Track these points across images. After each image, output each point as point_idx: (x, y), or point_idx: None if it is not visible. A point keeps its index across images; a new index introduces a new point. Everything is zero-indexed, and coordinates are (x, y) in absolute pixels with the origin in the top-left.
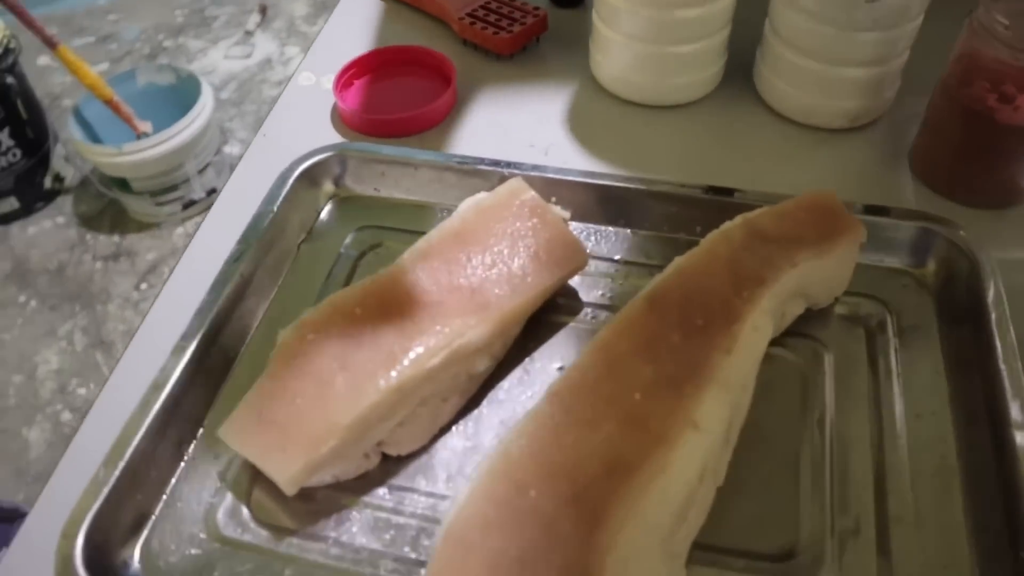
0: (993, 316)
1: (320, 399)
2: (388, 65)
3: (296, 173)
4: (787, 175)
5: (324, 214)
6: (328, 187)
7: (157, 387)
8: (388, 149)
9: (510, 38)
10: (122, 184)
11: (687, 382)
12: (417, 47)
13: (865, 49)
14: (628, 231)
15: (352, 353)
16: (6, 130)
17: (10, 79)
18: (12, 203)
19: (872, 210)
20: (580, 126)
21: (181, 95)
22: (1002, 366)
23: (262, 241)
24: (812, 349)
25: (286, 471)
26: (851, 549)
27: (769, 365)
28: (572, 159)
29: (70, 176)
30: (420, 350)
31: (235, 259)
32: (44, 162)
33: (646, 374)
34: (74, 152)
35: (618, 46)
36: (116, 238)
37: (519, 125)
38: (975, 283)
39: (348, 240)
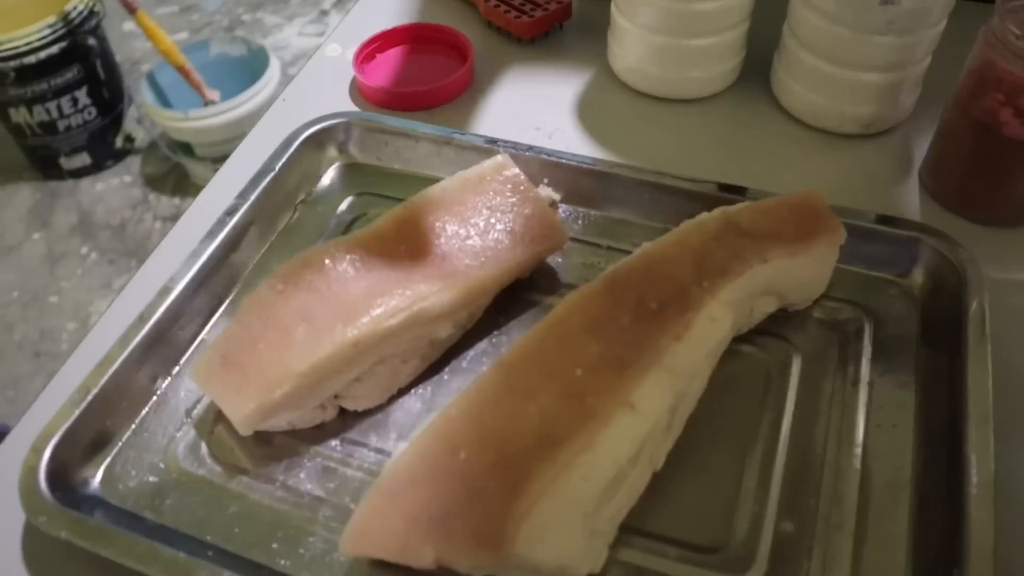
0: (971, 332)
1: (280, 347)
2: (410, 41)
3: (302, 137)
4: (792, 177)
5: (326, 178)
6: (332, 152)
7: (139, 323)
8: (392, 120)
9: (531, 23)
10: (187, 149)
11: (631, 364)
12: (439, 25)
13: (879, 53)
14: (618, 218)
15: (316, 306)
16: (84, 89)
17: (92, 40)
18: (84, 159)
19: (863, 216)
20: (589, 114)
21: (251, 67)
22: (969, 383)
23: (260, 197)
24: (782, 349)
25: (240, 411)
26: (784, 551)
27: (735, 361)
28: (575, 145)
29: (140, 138)
30: (380, 309)
31: (230, 212)
32: (117, 122)
33: (592, 352)
34: (145, 115)
35: (634, 37)
36: (177, 200)
37: (529, 108)
38: (960, 298)
39: (345, 205)
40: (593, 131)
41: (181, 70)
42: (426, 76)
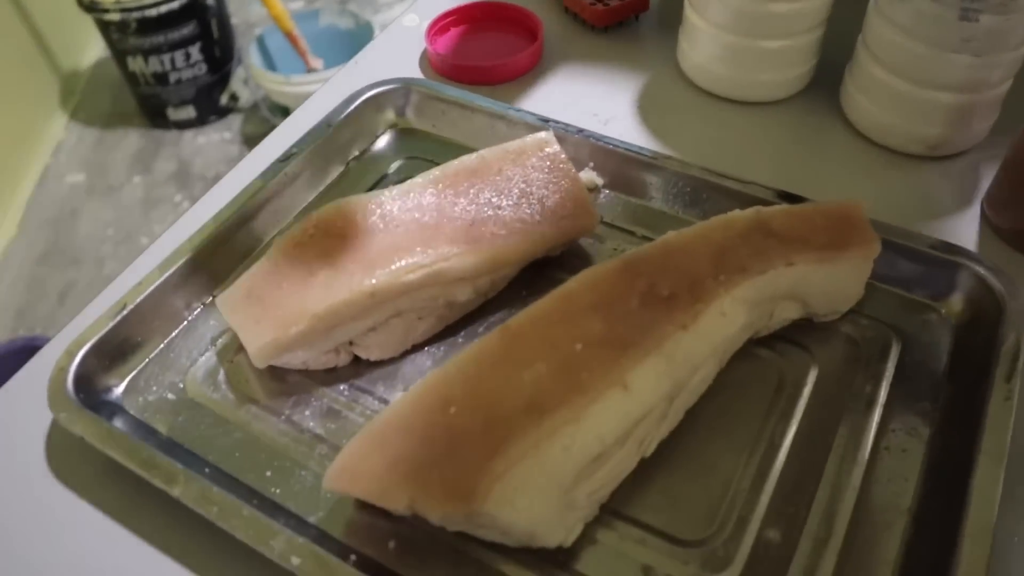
0: (1000, 366)
1: (301, 287)
2: (483, 19)
3: (363, 97)
4: (846, 191)
5: (381, 140)
6: (390, 116)
7: (180, 252)
8: (450, 90)
9: (604, 11)
10: (285, 112)
11: (631, 346)
12: (514, 5)
13: (954, 72)
14: (659, 209)
15: (341, 253)
16: (197, 45)
17: (210, 0)
18: (190, 112)
19: (904, 234)
20: (650, 107)
21: (356, 40)
22: (988, 418)
23: (313, 149)
24: (801, 358)
25: (256, 342)
26: (763, 556)
27: (750, 363)
28: (630, 135)
29: (244, 97)
30: (401, 264)
31: (282, 159)
32: (224, 80)
33: (595, 329)
34: (250, 76)
35: (705, 35)
36: None
37: (591, 94)
38: (996, 330)
39: (394, 167)
40: (650, 123)
41: (289, 36)
42: (494, 53)
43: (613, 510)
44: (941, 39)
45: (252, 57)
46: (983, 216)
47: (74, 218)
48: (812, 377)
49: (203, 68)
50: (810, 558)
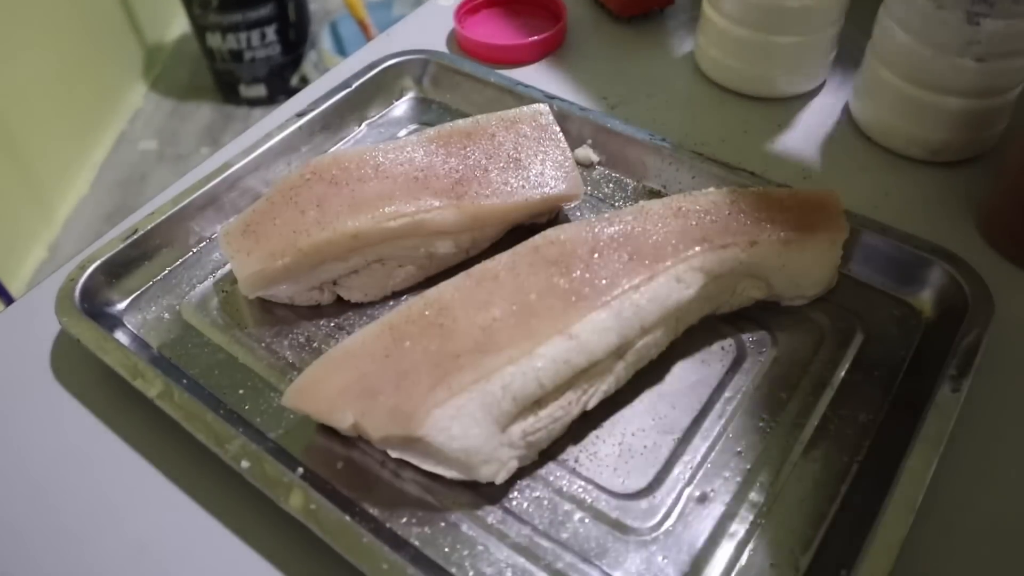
0: (955, 357)
1: (291, 224)
2: (511, 2)
3: (383, 65)
4: (841, 189)
5: (398, 107)
6: (408, 84)
7: (192, 189)
8: (465, 64)
9: (628, 1)
10: None
11: (582, 299)
12: None
13: (958, 77)
14: (649, 188)
15: (331, 197)
16: (273, 26)
17: None
18: (260, 90)
19: (879, 227)
20: (661, 96)
21: None
22: (933, 406)
23: (329, 108)
24: (762, 338)
25: (245, 271)
26: (690, 514)
27: (710, 336)
28: (635, 119)
29: (313, 80)
30: (385, 210)
31: (300, 114)
32: (297, 62)
33: (551, 281)
34: (321, 60)
35: (719, 28)
36: None
37: (605, 79)
38: (958, 328)
39: (405, 132)
40: (658, 111)
41: (360, 23)
42: (518, 35)
43: (551, 455)
44: (946, 43)
45: (324, 42)
46: (977, 225)
47: (142, 182)
48: (770, 356)
49: (277, 49)
50: (736, 521)
